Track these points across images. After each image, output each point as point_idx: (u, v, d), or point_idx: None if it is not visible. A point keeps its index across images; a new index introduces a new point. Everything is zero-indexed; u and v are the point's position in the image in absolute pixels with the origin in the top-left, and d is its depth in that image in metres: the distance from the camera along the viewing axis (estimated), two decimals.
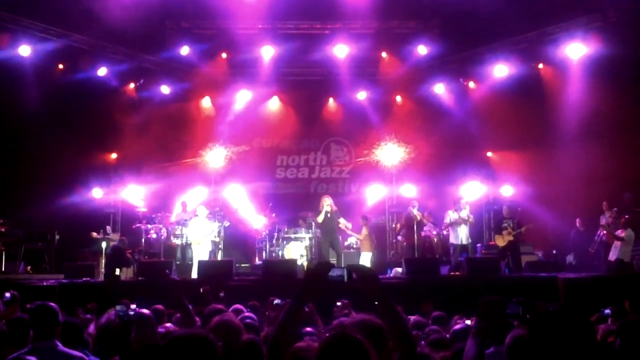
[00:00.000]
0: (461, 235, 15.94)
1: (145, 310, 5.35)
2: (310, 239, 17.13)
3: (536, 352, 2.73)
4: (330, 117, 21.25)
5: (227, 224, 17.52)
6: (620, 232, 14.68)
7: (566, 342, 2.65)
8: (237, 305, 7.39)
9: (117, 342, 4.67)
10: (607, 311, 7.32)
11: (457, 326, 6.15)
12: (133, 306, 4.88)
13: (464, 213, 15.97)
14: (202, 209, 16.75)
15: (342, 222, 15.89)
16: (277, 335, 3.03)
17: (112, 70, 18.74)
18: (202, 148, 19.88)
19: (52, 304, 5.04)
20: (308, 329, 6.01)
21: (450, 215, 16.07)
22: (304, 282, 3.18)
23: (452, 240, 16.19)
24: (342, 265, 3.15)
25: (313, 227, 17.10)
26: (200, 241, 16.09)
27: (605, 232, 15.57)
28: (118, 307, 4.70)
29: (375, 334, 3.10)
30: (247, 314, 6.84)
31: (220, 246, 17.35)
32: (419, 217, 16.40)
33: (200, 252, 16.03)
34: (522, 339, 4.76)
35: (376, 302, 3.08)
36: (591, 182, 16.46)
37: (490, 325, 3.31)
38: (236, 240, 18.31)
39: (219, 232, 17.25)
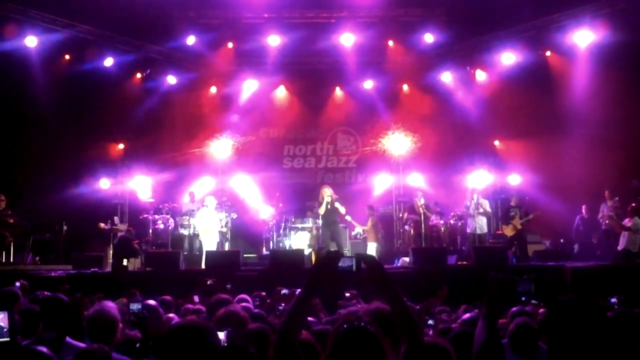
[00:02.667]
0: (476, 225, 15.93)
1: (151, 302, 5.42)
2: (317, 228, 17.15)
3: (554, 339, 2.73)
4: (337, 107, 21.19)
5: (234, 215, 17.55)
6: (627, 222, 14.60)
7: (584, 329, 2.65)
8: (243, 295, 7.40)
9: (105, 331, 4.71)
10: (614, 300, 7.30)
11: (466, 315, 6.14)
12: (139, 302, 4.93)
13: (482, 203, 16.01)
14: (211, 199, 16.77)
15: (341, 209, 15.81)
16: (286, 325, 3.04)
17: (119, 61, 18.71)
18: (209, 138, 19.89)
19: (62, 295, 5.09)
20: (309, 318, 6.02)
21: (469, 206, 16.06)
22: (312, 271, 3.18)
23: (469, 229, 16.18)
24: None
25: (320, 217, 17.12)
26: (209, 230, 16.13)
27: (607, 221, 15.54)
28: (133, 306, 4.74)
29: (390, 321, 3.11)
30: (251, 305, 6.86)
31: (227, 236, 17.39)
32: (422, 210, 16.38)
33: (208, 242, 16.06)
34: (526, 326, 4.77)
35: (380, 292, 3.09)
36: (599, 171, 16.41)
37: (501, 305, 3.29)
38: (243, 231, 18.36)
39: (226, 223, 17.29)
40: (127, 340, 4.91)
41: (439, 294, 9.47)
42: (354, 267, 3.06)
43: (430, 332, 5.65)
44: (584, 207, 17.09)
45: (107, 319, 4.72)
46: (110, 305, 4.91)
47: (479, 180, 17.71)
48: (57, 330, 4.79)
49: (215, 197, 17.31)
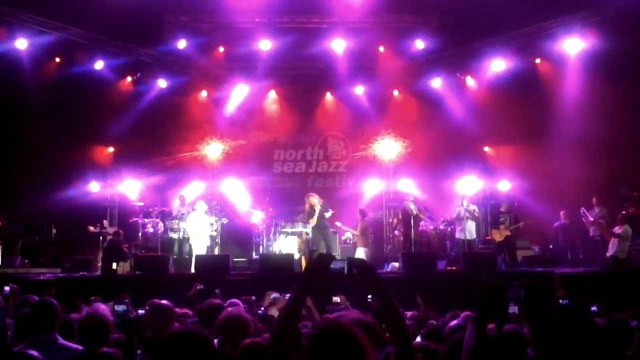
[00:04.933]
0: (466, 231, 15.98)
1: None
2: (307, 233, 17.16)
3: (540, 348, 2.74)
4: (328, 112, 21.21)
5: (225, 220, 17.54)
6: (617, 229, 14.67)
7: (570, 339, 2.66)
8: (233, 300, 7.39)
9: (98, 334, 4.72)
10: (594, 308, 7.33)
11: (453, 322, 6.14)
12: (124, 304, 4.93)
13: (471, 208, 16.05)
14: (201, 203, 16.80)
15: (327, 214, 15.93)
16: (279, 328, 3.01)
17: (109, 64, 18.70)
18: (199, 142, 19.87)
19: (51, 299, 5.12)
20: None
21: (459, 212, 16.11)
22: (305, 273, 3.17)
23: (458, 235, 16.22)
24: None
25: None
26: (199, 234, 16.15)
27: (593, 228, 15.62)
28: (117, 307, 4.75)
29: (366, 331, 3.11)
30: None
31: (217, 240, 17.38)
32: (415, 212, 16.41)
33: (199, 246, 16.07)
34: (514, 333, 4.79)
35: (371, 295, 3.10)
36: (587, 177, 16.49)
37: (492, 310, 3.29)
38: (233, 235, 18.34)
39: (216, 227, 17.28)
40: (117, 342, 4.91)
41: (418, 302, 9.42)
42: (346, 270, 3.07)
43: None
44: (562, 212, 17.11)
45: (99, 321, 4.74)
46: (103, 307, 4.94)
47: (468, 185, 17.79)
48: (49, 333, 4.82)
49: (205, 201, 17.32)
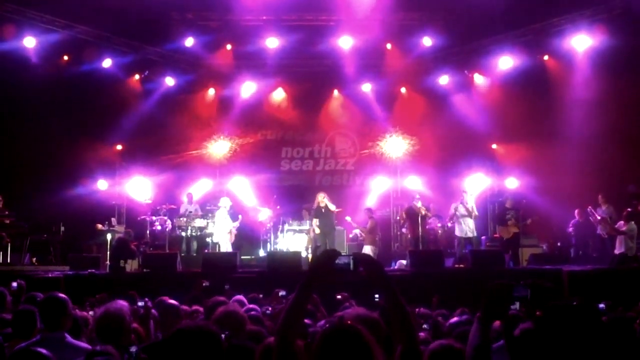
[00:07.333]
0: (466, 228, 15.96)
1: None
2: (314, 230, 17.18)
3: (544, 345, 2.73)
4: (335, 109, 21.18)
5: (237, 223, 17.54)
6: (621, 224, 14.62)
7: (576, 335, 2.65)
8: (239, 297, 7.39)
9: (114, 331, 4.63)
10: (602, 305, 7.31)
11: (454, 319, 6.09)
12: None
13: (469, 205, 16.00)
14: (226, 200, 16.85)
15: (331, 206, 16.16)
16: (285, 325, 2.99)
17: (117, 62, 18.71)
18: (207, 140, 19.91)
19: (61, 295, 5.05)
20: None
21: (457, 208, 16.09)
22: (310, 269, 3.16)
23: (457, 232, 16.22)
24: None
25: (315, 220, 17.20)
26: (231, 232, 16.36)
27: (599, 226, 15.57)
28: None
29: (372, 329, 3.10)
30: (250, 305, 6.87)
31: None
32: (423, 212, 16.39)
33: (226, 244, 16.35)
34: (530, 332, 4.76)
35: (379, 292, 3.08)
36: (596, 174, 16.44)
37: (498, 310, 3.29)
38: (241, 233, 18.33)
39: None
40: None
41: (433, 302, 9.45)
42: (352, 266, 3.06)
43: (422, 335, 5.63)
44: (577, 211, 17.02)
45: (115, 318, 4.57)
46: (120, 304, 4.76)
47: (476, 183, 17.75)
48: (58, 330, 4.77)
49: (211, 198, 17.43)
